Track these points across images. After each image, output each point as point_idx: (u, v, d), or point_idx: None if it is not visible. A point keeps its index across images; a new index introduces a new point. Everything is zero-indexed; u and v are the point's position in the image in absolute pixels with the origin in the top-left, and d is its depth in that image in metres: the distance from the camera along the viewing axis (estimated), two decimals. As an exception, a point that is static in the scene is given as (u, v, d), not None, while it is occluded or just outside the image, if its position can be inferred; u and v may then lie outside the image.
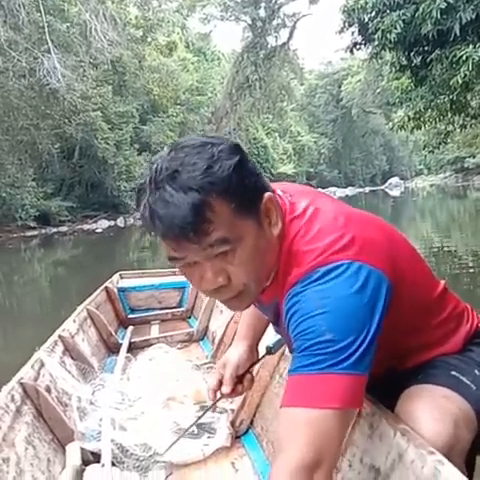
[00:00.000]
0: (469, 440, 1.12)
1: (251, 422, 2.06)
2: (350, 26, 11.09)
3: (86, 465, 1.71)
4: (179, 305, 4.52)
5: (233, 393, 1.48)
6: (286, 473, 0.94)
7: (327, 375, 0.96)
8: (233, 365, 1.51)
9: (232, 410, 2.09)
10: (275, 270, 1.14)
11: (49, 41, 22.99)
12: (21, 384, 1.79)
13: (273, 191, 1.12)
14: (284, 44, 46.75)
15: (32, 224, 24.32)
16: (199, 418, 1.76)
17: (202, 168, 0.99)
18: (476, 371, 1.25)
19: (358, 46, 11.39)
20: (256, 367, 2.08)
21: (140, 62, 31.79)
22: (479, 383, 1.22)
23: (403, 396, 1.23)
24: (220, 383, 1.50)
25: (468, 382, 1.21)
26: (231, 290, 1.08)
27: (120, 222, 29.28)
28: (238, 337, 1.63)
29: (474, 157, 39.70)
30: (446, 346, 1.31)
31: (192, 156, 1.01)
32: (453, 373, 1.23)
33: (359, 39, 11.21)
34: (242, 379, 1.51)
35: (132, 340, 3.43)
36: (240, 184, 1.02)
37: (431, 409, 1.13)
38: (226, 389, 1.46)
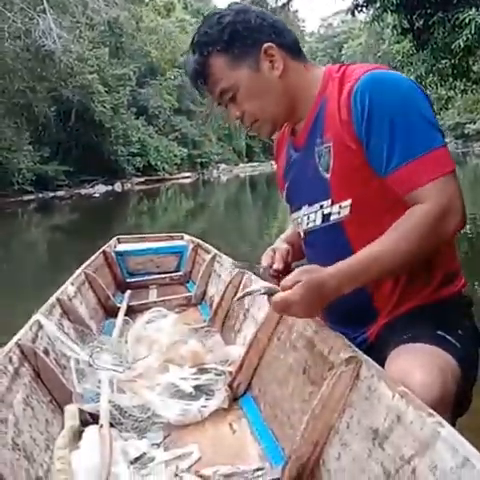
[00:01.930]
0: (455, 394, 1.18)
1: (249, 385, 2.07)
2: (352, -13, 10.83)
3: (84, 426, 1.72)
4: (177, 269, 4.52)
5: (282, 272, 1.47)
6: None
7: (438, 150, 1.21)
8: (284, 249, 1.57)
9: (230, 372, 2.10)
10: (306, 109, 1.40)
11: (45, 1, 22.50)
12: (19, 346, 1.78)
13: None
14: (284, 5, 45.77)
15: (29, 188, 24.25)
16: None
17: (203, 32, 1.35)
18: (459, 331, 1.33)
19: (359, 8, 11.14)
20: (254, 330, 2.09)
21: (137, 23, 31.22)
22: (463, 342, 1.30)
23: (393, 354, 1.28)
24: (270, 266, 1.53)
25: (453, 341, 1.29)
26: (248, 119, 1.41)
27: (117, 187, 29.20)
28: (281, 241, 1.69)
29: (474, 123, 39.41)
30: (441, 291, 1.39)
31: (203, 25, 1.36)
32: (439, 332, 1.30)
33: (360, 1, 10.97)
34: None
35: (130, 304, 3.44)
36: (232, 40, 1.33)
37: (421, 365, 1.18)
38: (278, 265, 1.51)
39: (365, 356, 1.33)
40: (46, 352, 1.96)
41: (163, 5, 36.20)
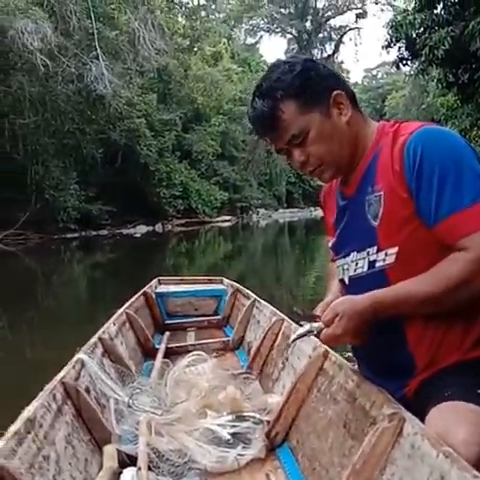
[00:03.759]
0: None
1: (286, 435, 2.04)
2: (397, 41, 11.02)
3: (122, 467, 1.72)
4: (215, 313, 4.53)
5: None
6: None
7: None
8: (327, 301, 1.57)
9: (268, 421, 2.08)
10: (360, 159, 1.45)
11: (98, 48, 23.53)
12: (63, 383, 1.82)
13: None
14: (329, 57, 46.71)
15: (73, 226, 24.74)
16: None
17: (274, 79, 1.40)
18: None
19: (404, 61, 11.31)
20: (293, 379, 2.08)
21: (186, 71, 32.20)
22: None
23: (434, 412, 1.27)
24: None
25: None
26: (311, 165, 1.45)
27: (158, 228, 29.61)
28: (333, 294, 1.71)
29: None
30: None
31: (273, 73, 1.42)
32: (479, 391, 1.29)
33: (406, 54, 11.14)
34: None
35: (168, 345, 3.46)
36: (304, 86, 1.38)
37: (464, 424, 1.17)
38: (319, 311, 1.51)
39: (408, 413, 1.31)
40: (87, 391, 1.98)
41: (211, 54, 37.33)
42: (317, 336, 1.43)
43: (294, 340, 1.53)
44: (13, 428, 1.40)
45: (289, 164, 1.58)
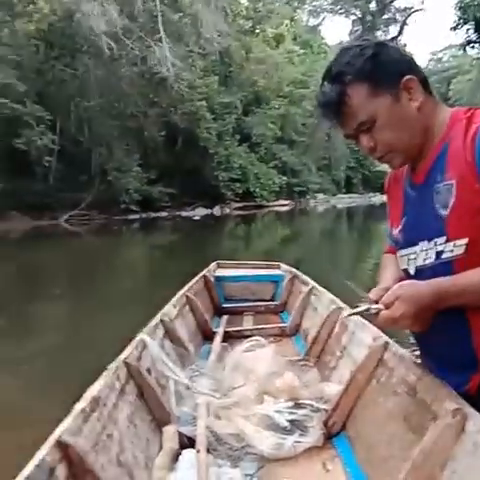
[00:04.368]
0: None
1: (344, 424, 2.03)
2: (465, 23, 10.60)
3: (181, 448, 1.76)
4: (272, 298, 4.54)
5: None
6: None
7: None
8: (382, 287, 1.53)
9: (325, 410, 2.08)
10: (430, 146, 1.40)
11: (161, 30, 23.75)
12: (126, 364, 1.86)
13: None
14: (393, 39, 45.32)
15: (134, 208, 25.30)
16: None
17: (343, 62, 1.36)
18: None
19: (472, 44, 10.87)
20: (352, 369, 2.06)
21: (247, 53, 32.08)
22: None
23: None
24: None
25: None
26: (380, 151, 1.41)
27: (216, 211, 29.85)
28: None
29: None
30: None
31: (343, 56, 1.37)
32: None
33: (474, 37, 10.70)
34: None
35: (226, 329, 3.49)
36: (375, 70, 1.34)
37: None
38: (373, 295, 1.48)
39: (471, 409, 1.28)
40: (149, 371, 2.03)
41: (273, 36, 36.99)
42: (374, 316, 1.40)
43: (351, 315, 1.51)
44: (79, 406, 1.45)
45: (357, 148, 1.54)
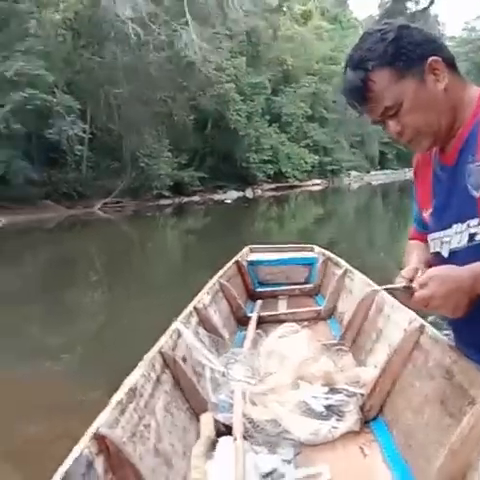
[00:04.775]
0: None
1: (381, 409, 2.02)
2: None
3: (218, 436, 1.78)
4: (306, 281, 4.52)
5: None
6: None
7: None
8: (412, 267, 1.52)
9: (362, 394, 2.07)
10: (459, 126, 1.38)
11: (187, 13, 23.61)
12: (161, 353, 1.89)
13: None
14: (424, 9, 44.01)
15: (166, 193, 25.46)
16: None
17: (365, 48, 1.34)
18: None
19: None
20: (388, 352, 2.05)
21: (275, 32, 31.70)
22: None
23: None
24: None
25: None
26: (407, 135, 1.39)
27: (248, 193, 29.79)
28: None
29: None
30: None
31: (364, 42, 1.36)
32: None
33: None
34: None
35: (260, 314, 3.50)
36: (397, 54, 1.31)
37: None
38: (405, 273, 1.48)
39: None
40: (184, 360, 2.05)
41: (300, 13, 36.45)
42: (407, 297, 1.40)
43: (386, 289, 1.49)
44: (116, 398, 1.48)
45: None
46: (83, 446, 1.23)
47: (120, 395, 1.50)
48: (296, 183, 33.17)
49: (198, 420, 1.86)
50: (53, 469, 1.15)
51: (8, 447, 3.20)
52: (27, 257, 12.36)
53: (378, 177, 42.68)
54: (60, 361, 4.91)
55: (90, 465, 1.22)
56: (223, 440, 1.73)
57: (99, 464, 1.26)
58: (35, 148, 21.27)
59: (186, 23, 23.74)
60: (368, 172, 44.00)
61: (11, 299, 7.71)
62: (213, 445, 1.70)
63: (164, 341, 2.00)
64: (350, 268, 3.62)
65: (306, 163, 33.97)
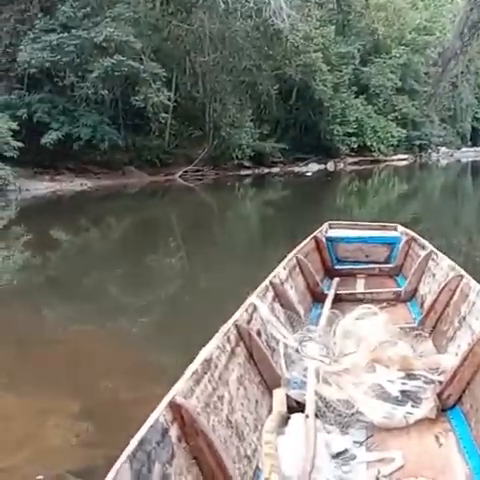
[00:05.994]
0: None
1: (459, 398, 1.95)
2: None
3: (290, 412, 1.78)
4: (387, 261, 4.40)
5: None
6: None
7: None
8: None
9: (440, 382, 2.00)
10: None
11: (276, -21, 23.14)
12: (236, 326, 1.90)
13: None
14: None
15: (247, 164, 25.43)
16: None
17: None
18: None
19: None
20: (470, 341, 1.96)
21: (367, 0, 30.53)
22: None
23: None
24: None
25: None
26: None
27: (330, 166, 29.24)
28: None
29: None
30: None
31: None
32: None
33: None
34: None
35: (337, 292, 3.45)
36: None
37: None
38: None
39: None
40: (259, 334, 2.06)
41: (395, -20, 34.82)
42: None
43: None
44: (191, 368, 1.51)
45: None
46: (159, 414, 1.26)
47: (195, 365, 1.52)
48: (381, 157, 32.15)
49: (270, 394, 1.87)
50: (129, 434, 1.18)
51: (88, 404, 3.35)
52: (110, 221, 12.82)
53: (469, 154, 40.58)
54: (138, 324, 5.07)
55: (165, 433, 1.25)
56: (295, 417, 1.73)
57: (173, 432, 1.29)
58: (121, 114, 21.77)
59: (277, -10, 23.33)
60: (458, 149, 41.93)
61: (96, 260, 8.07)
62: (285, 421, 1.71)
63: (239, 314, 2.01)
64: (435, 250, 3.48)
65: (393, 137, 32.77)
